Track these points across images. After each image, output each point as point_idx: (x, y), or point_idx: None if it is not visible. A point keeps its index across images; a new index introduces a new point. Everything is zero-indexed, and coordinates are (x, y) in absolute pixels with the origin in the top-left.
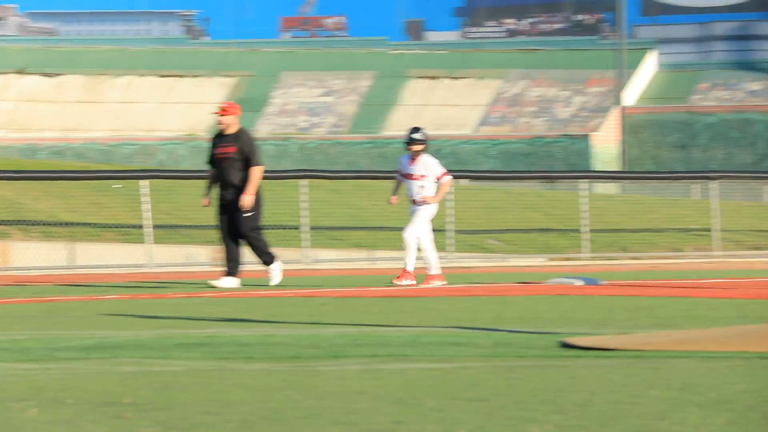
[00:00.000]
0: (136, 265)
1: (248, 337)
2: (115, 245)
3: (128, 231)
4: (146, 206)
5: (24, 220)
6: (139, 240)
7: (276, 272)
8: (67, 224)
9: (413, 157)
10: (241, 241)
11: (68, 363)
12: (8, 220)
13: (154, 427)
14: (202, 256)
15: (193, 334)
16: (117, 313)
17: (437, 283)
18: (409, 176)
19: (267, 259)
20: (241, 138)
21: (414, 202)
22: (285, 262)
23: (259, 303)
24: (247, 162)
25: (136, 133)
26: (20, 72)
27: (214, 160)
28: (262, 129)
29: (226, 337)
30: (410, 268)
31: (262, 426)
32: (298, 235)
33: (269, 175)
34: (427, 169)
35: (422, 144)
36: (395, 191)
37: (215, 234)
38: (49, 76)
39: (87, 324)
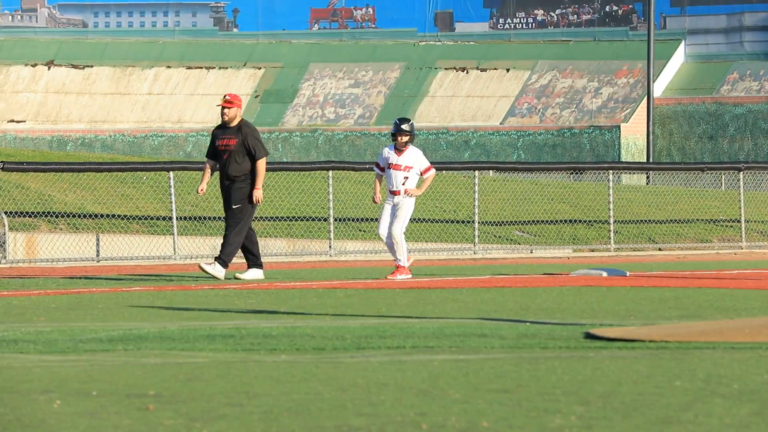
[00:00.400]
0: (162, 257)
1: (273, 328)
2: (142, 237)
3: (154, 223)
4: (173, 198)
5: (51, 212)
6: (165, 232)
7: (219, 272)
8: (94, 216)
9: (400, 148)
10: (251, 232)
11: (93, 355)
12: (36, 212)
13: (178, 418)
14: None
15: (218, 326)
16: (142, 305)
17: (403, 277)
18: (395, 167)
19: (226, 258)
20: (243, 130)
21: (394, 193)
22: (312, 254)
23: (284, 294)
24: (250, 155)
25: (164, 124)
26: (49, 64)
27: (215, 153)
28: (290, 120)
29: (251, 328)
30: (404, 262)
31: (286, 418)
32: (325, 226)
33: (297, 167)
34: (416, 160)
35: (410, 135)
36: (379, 188)
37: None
38: (78, 68)
39: (112, 316)
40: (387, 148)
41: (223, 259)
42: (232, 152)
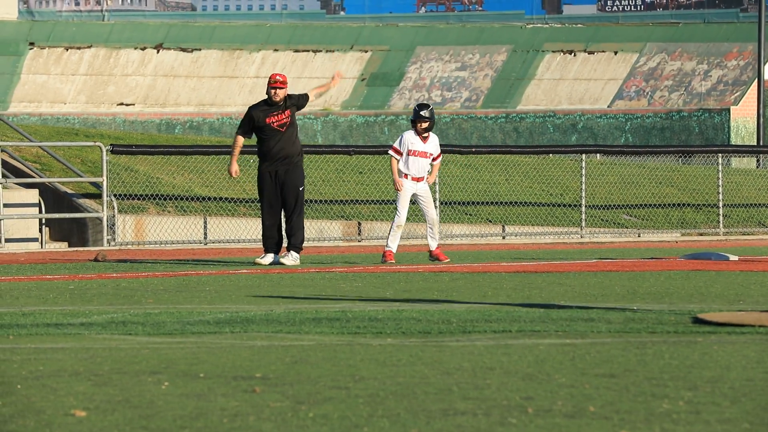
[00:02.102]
0: None
1: (378, 311)
2: (249, 220)
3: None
4: None
5: (159, 195)
6: None
7: (296, 260)
8: (201, 199)
9: (422, 134)
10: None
11: (200, 337)
12: (144, 195)
13: (284, 401)
14: (335, 230)
15: (324, 309)
16: (249, 288)
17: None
18: (421, 154)
19: (300, 244)
20: (288, 103)
21: (417, 180)
22: (418, 237)
23: (390, 278)
24: (301, 103)
25: None
26: (158, 47)
27: (261, 131)
28: (397, 104)
29: (357, 311)
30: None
31: (392, 401)
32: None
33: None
34: (437, 147)
35: (431, 121)
36: (401, 173)
37: (347, 209)
38: (187, 51)
39: (219, 298)
40: (409, 133)
41: (298, 246)
42: (288, 127)
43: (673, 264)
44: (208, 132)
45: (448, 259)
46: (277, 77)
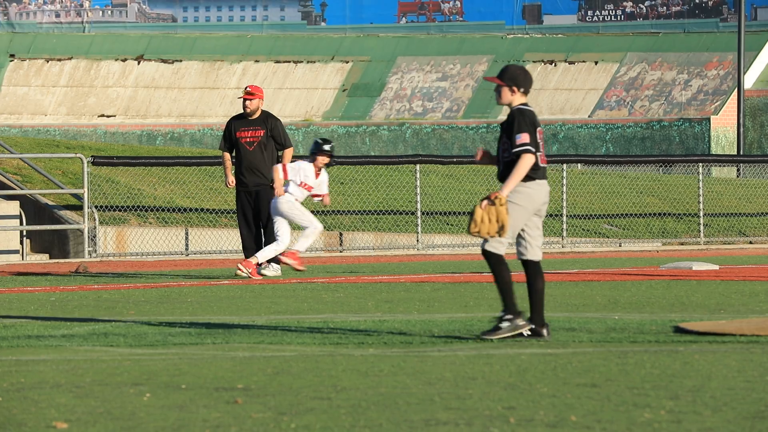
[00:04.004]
0: None
1: (360, 322)
2: (231, 231)
3: None
4: None
5: (141, 206)
6: None
7: (276, 270)
8: (183, 210)
9: (318, 168)
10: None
11: (182, 348)
12: (125, 206)
13: (266, 412)
14: (316, 241)
15: (306, 320)
16: (231, 299)
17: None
18: (309, 188)
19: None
20: (270, 121)
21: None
22: (399, 248)
23: (372, 288)
24: (278, 145)
25: None
26: (139, 59)
27: (235, 145)
28: (378, 114)
29: (339, 322)
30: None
31: (374, 412)
32: (412, 220)
33: (384, 161)
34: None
35: (331, 156)
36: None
37: (329, 220)
38: (168, 63)
39: (201, 309)
40: (308, 165)
41: (276, 258)
42: (259, 143)
43: (654, 273)
44: (189, 143)
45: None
46: (247, 88)
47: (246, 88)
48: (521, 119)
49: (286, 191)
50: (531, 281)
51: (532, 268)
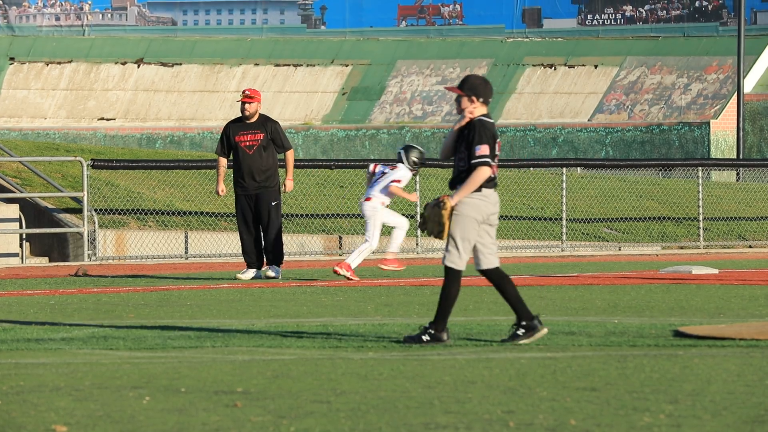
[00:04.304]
0: None
1: (360, 325)
2: (230, 234)
3: None
4: None
5: (140, 210)
6: None
7: (277, 272)
8: (182, 213)
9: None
10: (269, 231)
11: (181, 351)
12: (125, 210)
13: (266, 415)
14: (316, 244)
15: (306, 323)
16: (230, 302)
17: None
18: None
19: (281, 257)
20: (269, 124)
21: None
22: (399, 251)
23: (371, 292)
24: (277, 148)
25: None
26: (139, 62)
27: (234, 149)
28: (377, 118)
29: (338, 325)
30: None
31: (373, 415)
32: (412, 223)
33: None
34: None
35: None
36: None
37: (328, 223)
38: (167, 66)
39: (200, 313)
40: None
41: (279, 261)
42: (259, 147)
43: (653, 277)
44: (188, 146)
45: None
46: (246, 91)
47: (244, 91)
48: (482, 131)
49: (373, 197)
50: (501, 288)
51: (494, 276)
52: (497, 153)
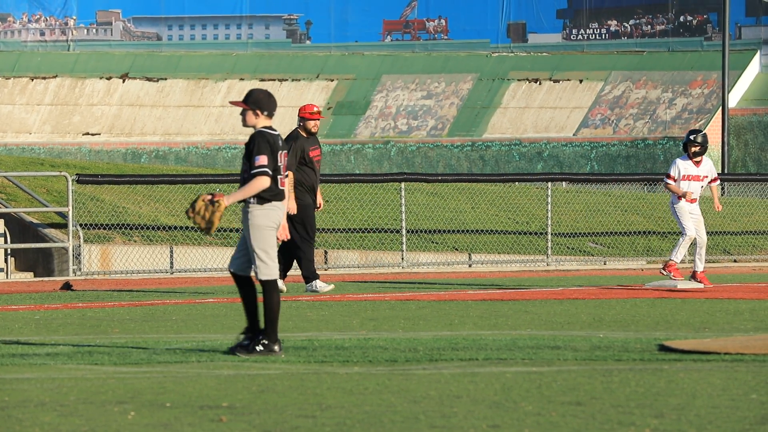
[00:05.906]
0: None
1: (345, 340)
2: (216, 249)
3: (228, 234)
4: None
5: (125, 224)
6: None
7: (325, 286)
8: (168, 228)
9: (694, 158)
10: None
11: (167, 366)
12: (110, 224)
13: (251, 430)
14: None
15: (291, 338)
16: (215, 317)
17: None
18: (694, 177)
19: (315, 270)
20: (318, 141)
21: (691, 201)
22: (384, 266)
23: (357, 306)
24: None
25: (238, 137)
26: (124, 77)
27: (312, 164)
28: (363, 132)
29: (324, 340)
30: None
31: (359, 429)
32: (397, 238)
33: (369, 179)
34: (712, 171)
35: (704, 147)
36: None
37: (318, 237)
38: (152, 81)
39: (186, 327)
40: (682, 159)
41: (317, 273)
42: (320, 162)
43: (638, 292)
44: (174, 161)
45: (711, 285)
46: (315, 108)
47: (314, 107)
48: (261, 142)
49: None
50: (243, 294)
51: (243, 282)
52: (281, 164)
